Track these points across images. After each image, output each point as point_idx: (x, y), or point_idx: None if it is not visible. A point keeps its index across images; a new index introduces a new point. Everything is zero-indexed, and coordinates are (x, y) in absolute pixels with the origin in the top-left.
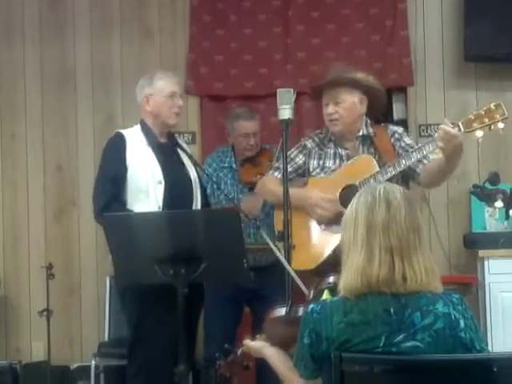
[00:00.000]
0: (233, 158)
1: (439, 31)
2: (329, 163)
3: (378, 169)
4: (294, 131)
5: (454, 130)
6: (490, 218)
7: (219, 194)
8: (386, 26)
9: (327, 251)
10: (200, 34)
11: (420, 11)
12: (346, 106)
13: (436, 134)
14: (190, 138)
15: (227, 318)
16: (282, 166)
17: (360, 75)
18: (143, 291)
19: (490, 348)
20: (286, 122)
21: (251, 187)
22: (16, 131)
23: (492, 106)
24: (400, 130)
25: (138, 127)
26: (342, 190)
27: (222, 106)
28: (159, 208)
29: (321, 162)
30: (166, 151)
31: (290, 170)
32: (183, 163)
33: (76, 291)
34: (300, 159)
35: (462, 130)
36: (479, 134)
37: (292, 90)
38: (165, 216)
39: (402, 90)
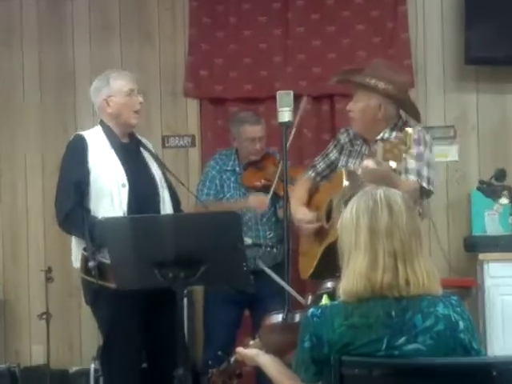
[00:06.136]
0: (236, 162)
1: (440, 33)
2: (351, 162)
3: (346, 183)
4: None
5: (372, 165)
6: (490, 221)
7: (222, 197)
8: (387, 29)
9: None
10: (199, 36)
11: (421, 13)
12: (359, 107)
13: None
14: (189, 140)
15: (227, 322)
16: (317, 163)
17: (374, 82)
18: (115, 297)
19: (489, 351)
20: (286, 124)
21: (256, 191)
22: (15, 134)
23: (402, 134)
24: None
25: (98, 128)
26: (328, 203)
27: (222, 108)
28: (124, 213)
29: (348, 160)
30: (129, 152)
31: (323, 166)
32: (147, 164)
33: (75, 294)
34: (333, 155)
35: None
36: (392, 164)
37: (292, 92)
38: (164, 219)
39: None
